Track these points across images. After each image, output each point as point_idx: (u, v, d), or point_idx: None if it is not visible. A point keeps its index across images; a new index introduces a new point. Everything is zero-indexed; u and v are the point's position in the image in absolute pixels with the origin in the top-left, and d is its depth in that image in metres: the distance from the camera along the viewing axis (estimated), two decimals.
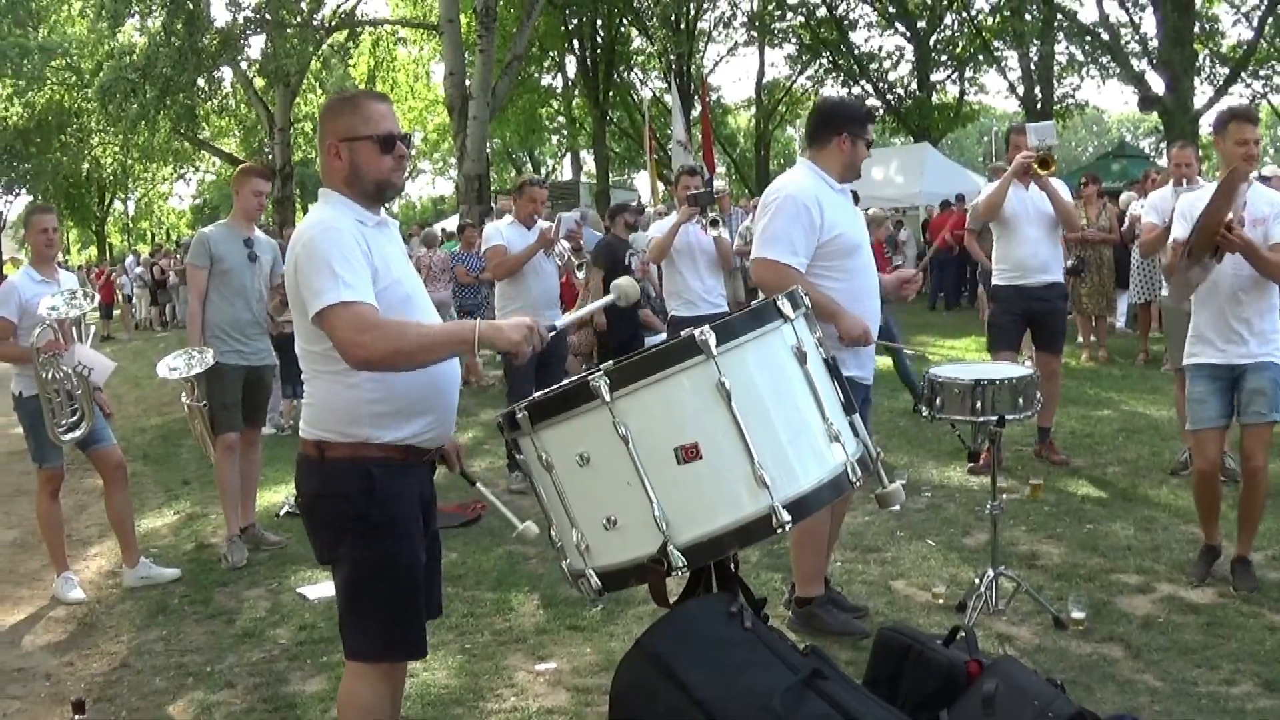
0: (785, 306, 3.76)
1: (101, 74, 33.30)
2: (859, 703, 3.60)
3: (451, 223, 25.73)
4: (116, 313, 33.86)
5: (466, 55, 28.10)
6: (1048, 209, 9.12)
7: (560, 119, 54.68)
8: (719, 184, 21.78)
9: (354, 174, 3.94)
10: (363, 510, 3.85)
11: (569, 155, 60.79)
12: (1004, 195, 9.16)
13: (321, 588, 7.27)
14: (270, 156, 37.44)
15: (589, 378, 3.59)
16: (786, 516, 3.51)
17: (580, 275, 10.68)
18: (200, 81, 32.93)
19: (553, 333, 3.97)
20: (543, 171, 64.31)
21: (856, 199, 7.19)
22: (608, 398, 3.54)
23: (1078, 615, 6.00)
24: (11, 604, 7.72)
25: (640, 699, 3.69)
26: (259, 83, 36.39)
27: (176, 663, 6.33)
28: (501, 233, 9.57)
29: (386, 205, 4.16)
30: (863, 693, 3.80)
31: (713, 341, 3.52)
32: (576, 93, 49.84)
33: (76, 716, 5.65)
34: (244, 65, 35.50)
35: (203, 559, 8.28)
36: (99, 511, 9.42)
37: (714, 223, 9.62)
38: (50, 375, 7.27)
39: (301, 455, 4.01)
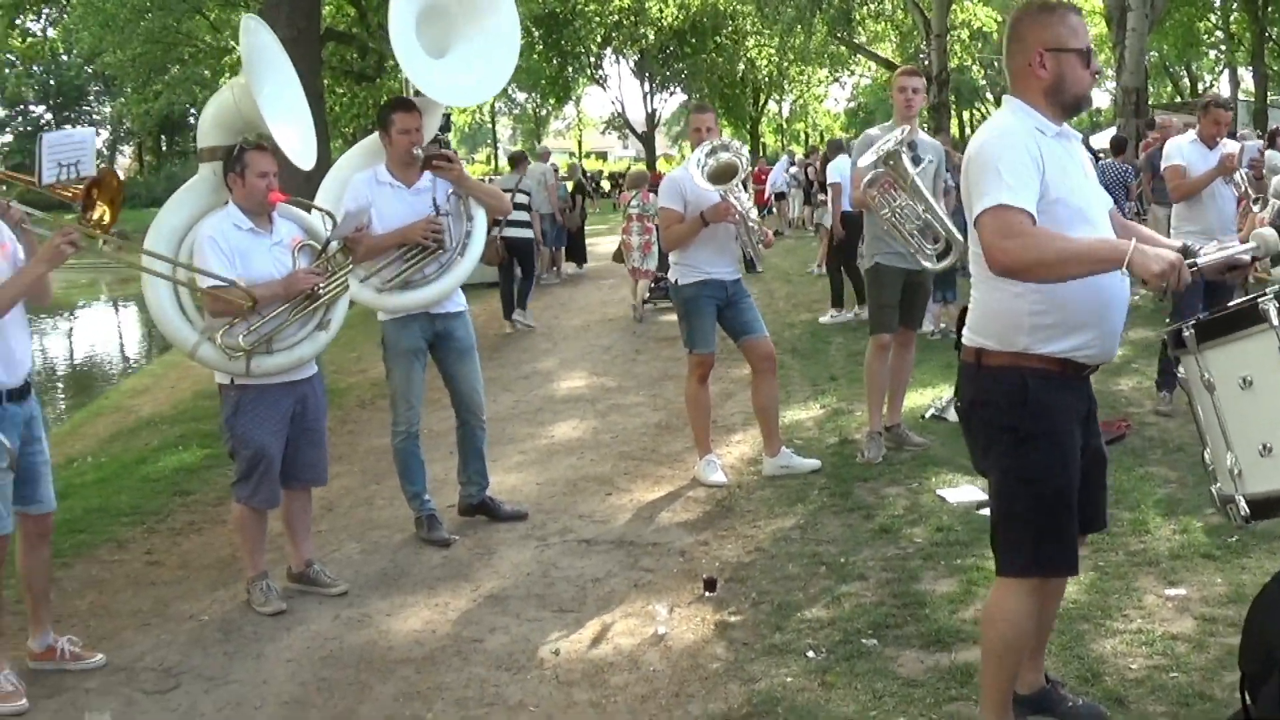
0: None
1: None
2: None
3: (1101, 138, 24.91)
4: (772, 212, 35.26)
5: None
6: None
7: (1219, 33, 51.58)
8: None
9: (1057, 85, 3.96)
10: (1014, 420, 3.96)
11: (1226, 71, 57.47)
12: None
13: (961, 491, 7.33)
14: (926, 62, 37.51)
15: (1258, 299, 3.49)
16: None
17: (1257, 210, 9.96)
18: None
19: (1193, 268, 3.79)
20: (1199, 87, 60.96)
21: None
22: (1275, 321, 3.43)
23: None
24: (653, 482, 8.27)
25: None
26: None
27: (811, 551, 6.58)
28: (1182, 151, 9.11)
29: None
30: None
31: None
32: (1235, 7, 46.80)
33: (707, 593, 6.02)
34: None
35: (844, 453, 8.52)
36: (744, 400, 9.84)
37: None
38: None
39: (963, 360, 4.15)
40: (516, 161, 18.62)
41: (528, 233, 17.07)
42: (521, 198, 16.82)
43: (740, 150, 7.84)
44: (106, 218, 5.65)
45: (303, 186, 6.83)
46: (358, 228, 6.40)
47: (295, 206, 6.54)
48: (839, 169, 16.05)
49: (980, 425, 4.11)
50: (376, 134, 7.37)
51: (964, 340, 4.14)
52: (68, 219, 5.61)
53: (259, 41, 6.53)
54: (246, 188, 6.09)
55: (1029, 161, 3.77)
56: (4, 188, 5.63)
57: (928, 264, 8.01)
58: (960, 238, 7.80)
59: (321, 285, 6.23)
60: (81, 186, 5.61)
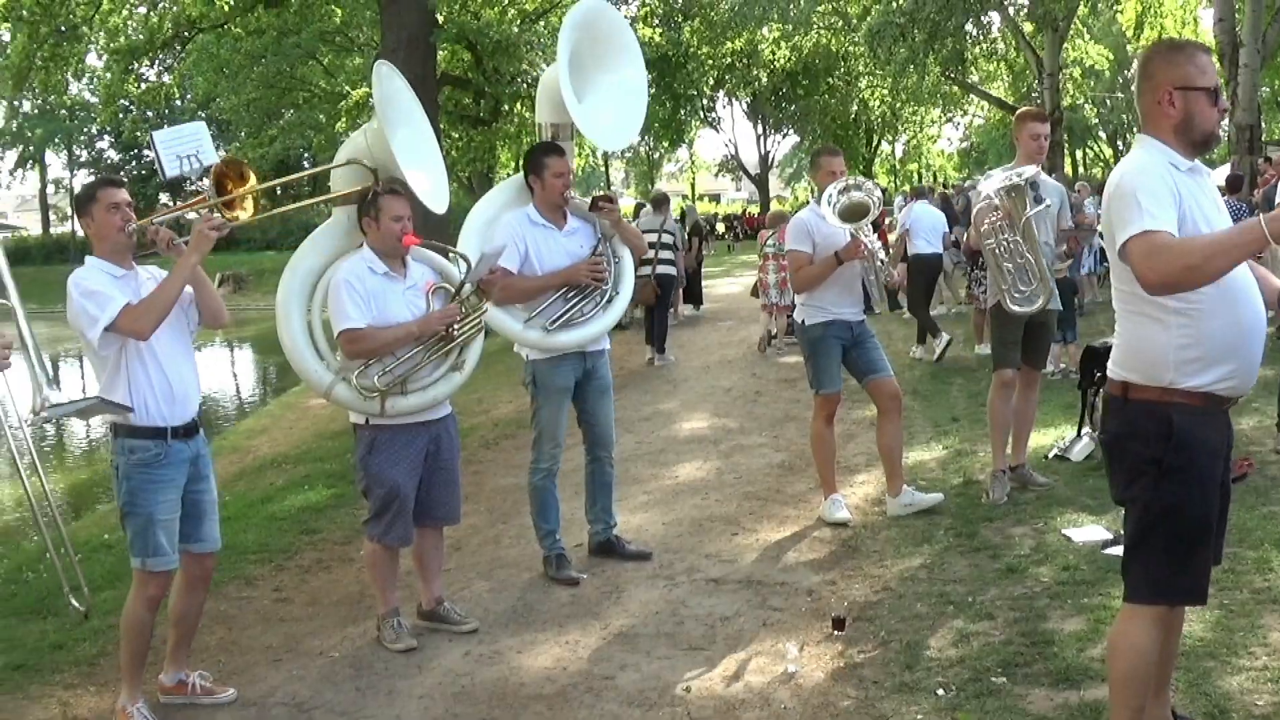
0: None
1: (869, 18, 34.43)
2: None
3: (1215, 175, 24.57)
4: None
5: (1235, 1, 26.68)
6: None
7: None
8: None
9: (1186, 123, 4.10)
10: (1159, 454, 4.08)
11: None
12: None
13: (1086, 531, 7.32)
14: (1039, 101, 37.28)
15: None
16: None
17: None
18: (968, 26, 33.35)
19: None
20: None
21: None
22: None
23: None
24: (778, 522, 8.31)
25: None
26: (1027, 28, 36.32)
27: (938, 591, 6.60)
28: None
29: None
30: None
31: None
32: None
33: (836, 632, 6.07)
34: (1011, 10, 35.56)
35: (969, 494, 8.50)
36: (867, 441, 9.94)
37: None
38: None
39: (1108, 394, 4.32)
40: (660, 202, 18.97)
41: (673, 270, 17.68)
42: (667, 237, 17.22)
43: (872, 190, 7.89)
44: (250, 208, 5.89)
45: (423, 227, 6.94)
46: (491, 269, 6.51)
47: (429, 249, 6.68)
48: (912, 214, 16.43)
49: (1124, 457, 4.22)
50: (513, 178, 7.58)
51: (1109, 374, 4.27)
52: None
53: (392, 87, 6.70)
54: (381, 231, 6.22)
55: (1165, 192, 3.89)
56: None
57: (1013, 305, 7.99)
58: (1053, 287, 7.99)
59: (456, 327, 6.35)
60: (206, 192, 5.80)
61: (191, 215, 5.89)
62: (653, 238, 16.36)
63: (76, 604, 4.92)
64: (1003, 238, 7.88)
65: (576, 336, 7.17)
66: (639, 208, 21.22)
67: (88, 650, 6.71)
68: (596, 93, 7.54)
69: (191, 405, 5.66)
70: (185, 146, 5.89)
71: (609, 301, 7.27)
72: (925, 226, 16.15)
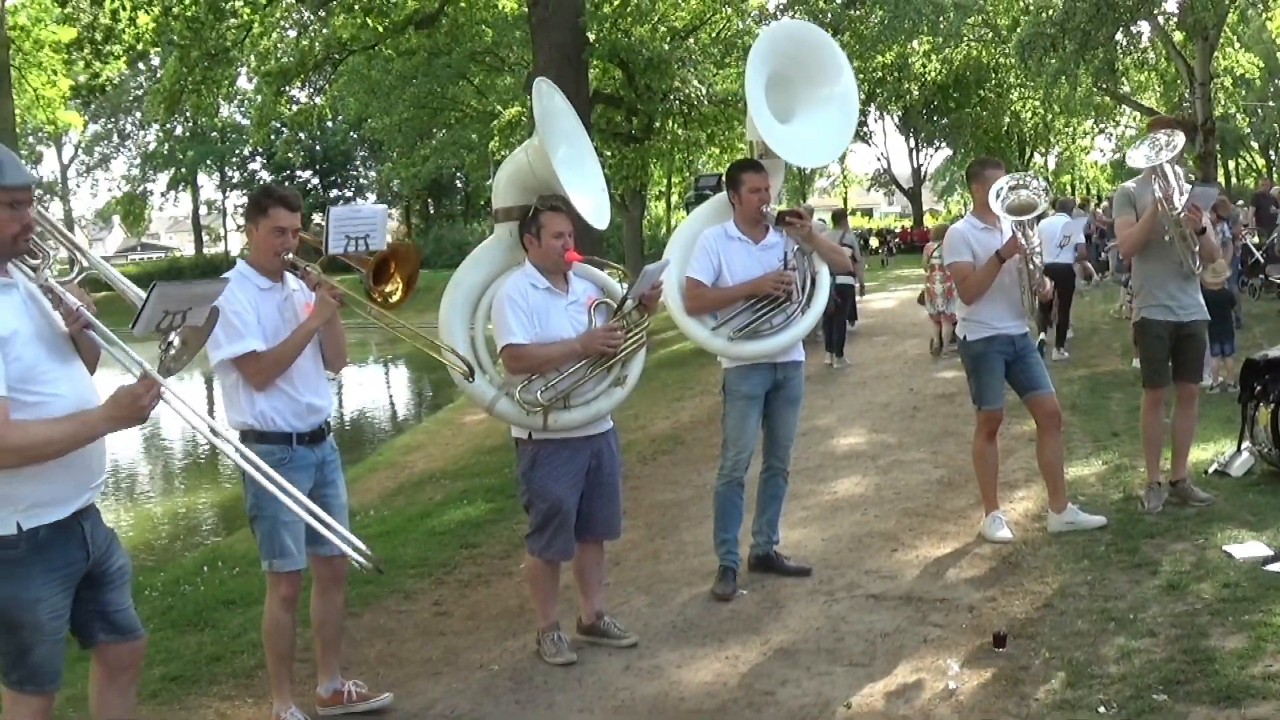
0: None
1: (1019, 30, 34.03)
2: None
3: None
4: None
5: None
6: None
7: None
8: None
9: None
10: None
11: None
12: None
13: (1247, 547, 7.18)
14: (1190, 111, 36.53)
15: None
16: None
17: None
18: (1118, 35, 32.81)
19: None
20: None
21: None
22: None
23: None
24: (938, 538, 8.27)
25: None
26: (1177, 36, 35.61)
27: (1100, 607, 6.52)
28: None
29: None
30: None
31: None
32: None
33: (998, 648, 6.04)
34: (1161, 19, 34.90)
35: (1129, 510, 8.36)
36: (1026, 457, 9.85)
37: None
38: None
39: None
40: (838, 218, 20.43)
41: (852, 280, 18.75)
42: (845, 250, 17.57)
43: (1039, 190, 7.80)
44: (397, 295, 5.91)
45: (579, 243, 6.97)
46: (654, 285, 6.56)
47: (591, 265, 6.77)
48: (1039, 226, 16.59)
49: None
50: (719, 195, 7.69)
51: None
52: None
53: (552, 105, 6.78)
54: (543, 248, 6.32)
55: None
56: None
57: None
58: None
59: (618, 342, 6.42)
60: (373, 258, 5.89)
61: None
62: None
63: (365, 561, 4.91)
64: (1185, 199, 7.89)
65: (761, 347, 7.23)
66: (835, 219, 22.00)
67: (245, 662, 6.89)
68: (809, 109, 7.62)
69: (319, 412, 5.77)
70: (358, 229, 5.97)
71: (800, 314, 7.32)
72: (1048, 236, 16.20)
